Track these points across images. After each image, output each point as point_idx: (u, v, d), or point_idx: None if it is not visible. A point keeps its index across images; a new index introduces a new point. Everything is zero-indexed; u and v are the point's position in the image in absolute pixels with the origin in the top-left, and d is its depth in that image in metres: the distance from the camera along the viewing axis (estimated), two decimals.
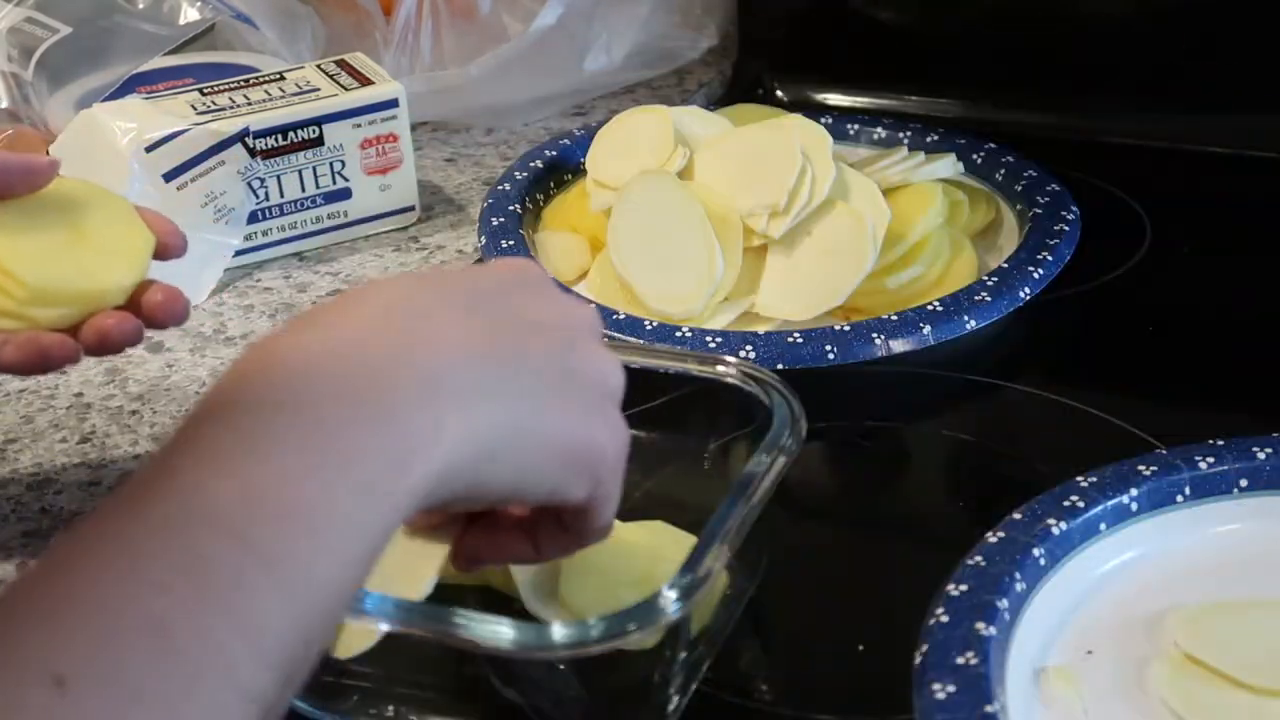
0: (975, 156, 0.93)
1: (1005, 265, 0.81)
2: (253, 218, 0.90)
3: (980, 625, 0.55)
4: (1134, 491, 0.62)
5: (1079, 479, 0.62)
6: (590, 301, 0.80)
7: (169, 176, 0.85)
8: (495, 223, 0.88)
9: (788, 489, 0.60)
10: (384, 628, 0.52)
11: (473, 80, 1.03)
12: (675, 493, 0.67)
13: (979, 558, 0.59)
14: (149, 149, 0.85)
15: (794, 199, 0.80)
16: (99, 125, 0.86)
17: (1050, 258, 0.81)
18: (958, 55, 1.04)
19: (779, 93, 1.09)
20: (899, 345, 0.76)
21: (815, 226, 0.81)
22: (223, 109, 0.88)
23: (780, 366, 0.74)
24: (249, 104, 0.88)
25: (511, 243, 0.86)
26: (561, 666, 0.55)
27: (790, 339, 0.76)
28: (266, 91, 0.90)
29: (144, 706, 0.35)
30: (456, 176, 1.01)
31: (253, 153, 0.88)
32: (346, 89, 0.90)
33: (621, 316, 0.78)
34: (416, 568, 0.54)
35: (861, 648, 0.61)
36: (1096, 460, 0.64)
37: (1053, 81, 1.02)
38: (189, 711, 0.36)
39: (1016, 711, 0.54)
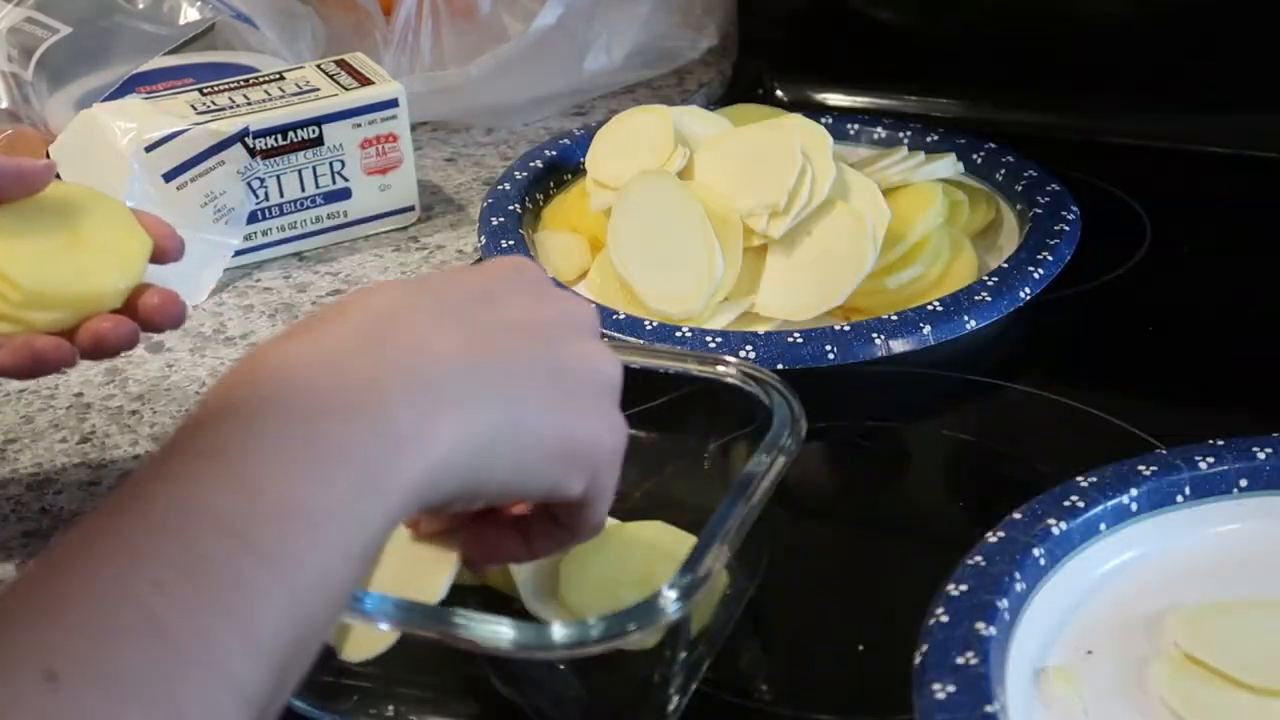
0: (975, 156, 0.93)
1: (1005, 265, 0.81)
2: (253, 218, 0.90)
3: (980, 625, 0.55)
4: (1134, 491, 0.62)
5: (1079, 479, 0.62)
6: (590, 301, 0.80)
7: (169, 176, 0.85)
8: (495, 223, 0.88)
9: (788, 489, 0.60)
10: (384, 628, 0.51)
11: (473, 80, 1.03)
12: (675, 493, 0.67)
13: (979, 558, 0.59)
14: (149, 149, 0.85)
15: (794, 199, 0.80)
16: (99, 125, 0.86)
17: (1050, 258, 0.81)
18: (958, 55, 1.04)
19: (779, 93, 1.09)
20: (899, 345, 0.76)
21: (815, 226, 0.81)
22: (223, 109, 0.88)
23: (780, 366, 0.74)
24: (249, 104, 0.88)
25: (511, 243, 0.86)
26: (561, 666, 0.55)
27: (790, 339, 0.76)
28: (266, 91, 0.90)
29: (140, 703, 0.35)
30: (456, 176, 1.01)
31: (253, 153, 0.88)
32: (346, 89, 0.90)
33: (621, 316, 0.78)
34: (429, 574, 0.55)
35: (861, 648, 0.61)
36: (1096, 460, 0.64)
37: (1053, 81, 1.02)
38: (185, 708, 0.36)
39: (1016, 711, 0.54)
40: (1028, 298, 0.79)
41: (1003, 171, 0.91)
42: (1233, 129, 0.98)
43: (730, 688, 0.59)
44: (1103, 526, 0.61)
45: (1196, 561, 0.62)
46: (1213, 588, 0.60)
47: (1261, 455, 0.63)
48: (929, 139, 0.95)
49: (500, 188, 0.92)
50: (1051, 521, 0.60)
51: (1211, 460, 0.63)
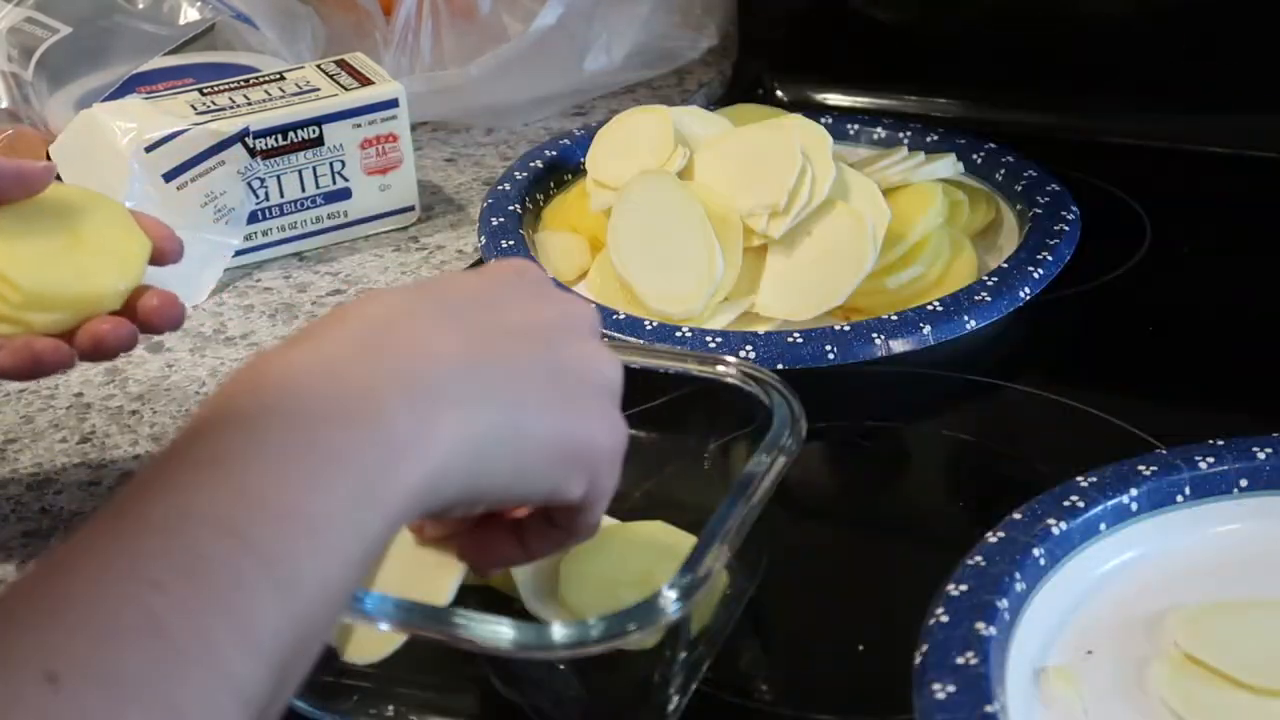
0: (975, 156, 0.93)
1: (1005, 265, 0.81)
2: (253, 218, 0.90)
3: (980, 625, 0.55)
4: (1134, 491, 0.62)
5: (1079, 479, 0.62)
6: (590, 301, 0.80)
7: (169, 176, 0.85)
8: (495, 223, 0.88)
9: (788, 489, 0.60)
10: (384, 628, 0.52)
11: (473, 80, 1.03)
12: (675, 493, 0.67)
13: (979, 558, 0.59)
14: (149, 149, 0.85)
15: (794, 199, 0.80)
16: (99, 125, 0.86)
17: (1050, 258, 0.81)
18: (958, 55, 1.04)
19: (779, 93, 1.09)
20: (899, 345, 0.76)
21: (815, 226, 0.81)
22: (223, 109, 0.88)
23: (780, 366, 0.74)
24: (249, 104, 0.88)
25: (511, 243, 0.86)
26: (561, 666, 0.55)
27: (790, 339, 0.76)
28: (266, 91, 0.90)
29: (140, 703, 0.35)
30: (456, 176, 1.01)
31: (253, 153, 0.88)
32: (346, 89, 0.90)
33: (621, 316, 0.78)
34: (435, 579, 0.55)
35: (861, 648, 0.61)
36: (1096, 460, 0.64)
37: (1053, 81, 1.02)
38: (185, 708, 0.36)
39: (1016, 711, 0.54)
40: (1028, 298, 0.79)
41: (1003, 171, 0.91)
42: (1233, 129, 0.98)
43: (730, 688, 0.59)
44: (1103, 526, 0.61)
45: (1196, 561, 0.62)
46: (1213, 588, 0.60)
47: (1261, 455, 0.63)
48: (929, 139, 0.95)
49: (500, 188, 0.92)
50: (1051, 521, 0.60)
51: (1211, 460, 0.63)
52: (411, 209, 0.95)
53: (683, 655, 0.55)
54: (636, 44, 1.09)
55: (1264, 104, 0.97)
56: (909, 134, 0.96)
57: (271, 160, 0.89)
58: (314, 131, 0.89)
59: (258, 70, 0.95)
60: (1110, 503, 0.61)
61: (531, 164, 0.94)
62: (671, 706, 0.56)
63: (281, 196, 0.90)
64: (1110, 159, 0.99)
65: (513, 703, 0.56)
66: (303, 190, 0.90)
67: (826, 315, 0.80)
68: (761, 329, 0.79)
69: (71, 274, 0.61)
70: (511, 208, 0.89)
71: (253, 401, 0.43)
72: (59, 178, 0.71)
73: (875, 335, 0.75)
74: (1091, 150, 0.99)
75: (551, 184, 0.95)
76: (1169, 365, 0.79)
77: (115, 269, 0.62)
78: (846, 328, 0.76)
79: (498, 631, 0.50)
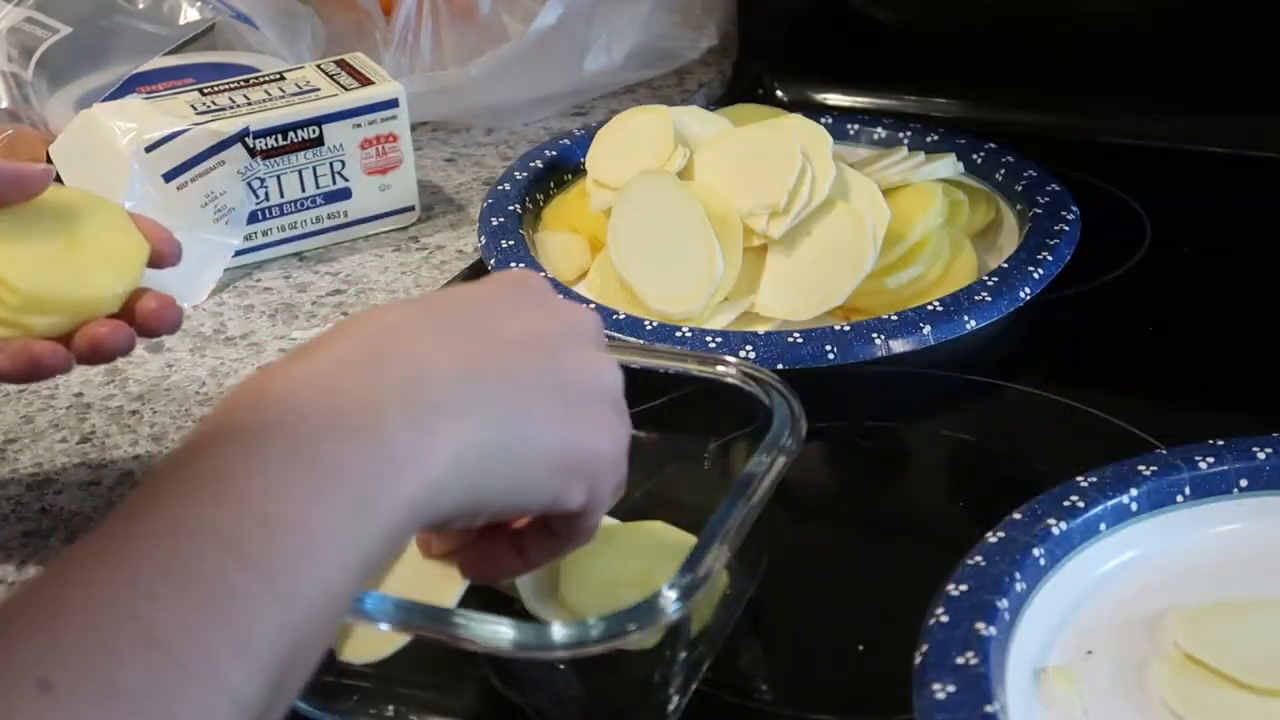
0: (975, 156, 0.93)
1: (1005, 265, 0.81)
2: (253, 218, 0.90)
3: (980, 625, 0.55)
4: (1134, 491, 0.62)
5: (1079, 479, 0.62)
6: (590, 302, 0.80)
7: (169, 176, 0.85)
8: (495, 223, 0.88)
9: (788, 489, 0.60)
10: (384, 628, 0.52)
11: (473, 80, 1.03)
12: (675, 493, 0.67)
13: (979, 558, 0.59)
14: (149, 149, 0.85)
15: (794, 199, 0.80)
16: (99, 125, 0.86)
17: (1050, 258, 0.81)
18: (958, 55, 1.04)
19: (779, 93, 1.09)
20: (899, 345, 0.76)
21: (815, 226, 0.81)
22: (223, 109, 0.88)
23: (780, 366, 0.74)
24: (249, 104, 0.88)
25: (511, 243, 0.86)
26: (561, 666, 0.55)
27: (790, 339, 0.76)
28: (266, 91, 0.90)
29: (140, 716, 0.35)
30: (456, 176, 1.01)
31: (253, 153, 0.88)
32: (346, 89, 0.90)
33: (621, 316, 0.78)
34: (439, 592, 0.55)
35: (861, 648, 0.61)
36: (1096, 460, 0.64)
37: (1053, 81, 1.02)
38: (181, 718, 0.36)
39: (1016, 711, 0.54)
40: (1028, 298, 0.79)
41: (1003, 171, 0.91)
42: (1233, 129, 0.98)
43: (730, 688, 0.59)
44: (1103, 526, 0.61)
45: (1196, 561, 0.62)
46: (1213, 588, 0.60)
47: (1261, 455, 0.63)
48: (929, 139, 0.95)
49: (500, 188, 0.92)
50: (1051, 521, 0.60)
51: (1211, 460, 0.63)
52: (411, 209, 0.95)
53: (683, 655, 0.55)
54: (636, 44, 1.09)
55: (1264, 104, 0.97)
56: (909, 134, 0.96)
57: (271, 160, 0.89)
58: (314, 131, 0.89)
59: (258, 70, 0.95)
60: (1110, 503, 0.61)
61: (531, 164, 0.94)
62: (671, 706, 0.56)
63: (281, 196, 0.90)
64: (1110, 159, 0.99)
65: (513, 703, 0.56)
66: (303, 190, 0.90)
67: (826, 315, 0.80)
68: (761, 329, 0.79)
69: (69, 277, 0.61)
70: (511, 208, 0.89)
71: (253, 416, 0.43)
72: (58, 180, 0.71)
73: (875, 335, 0.75)
74: (1091, 150, 0.99)
75: (551, 184, 0.95)
76: (1169, 365, 0.79)
77: (113, 272, 0.62)
78: (846, 328, 0.76)
79: (498, 631, 0.50)
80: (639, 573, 0.59)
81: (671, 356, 0.66)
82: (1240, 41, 0.97)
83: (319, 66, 0.93)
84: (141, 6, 0.99)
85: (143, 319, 0.62)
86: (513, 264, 0.84)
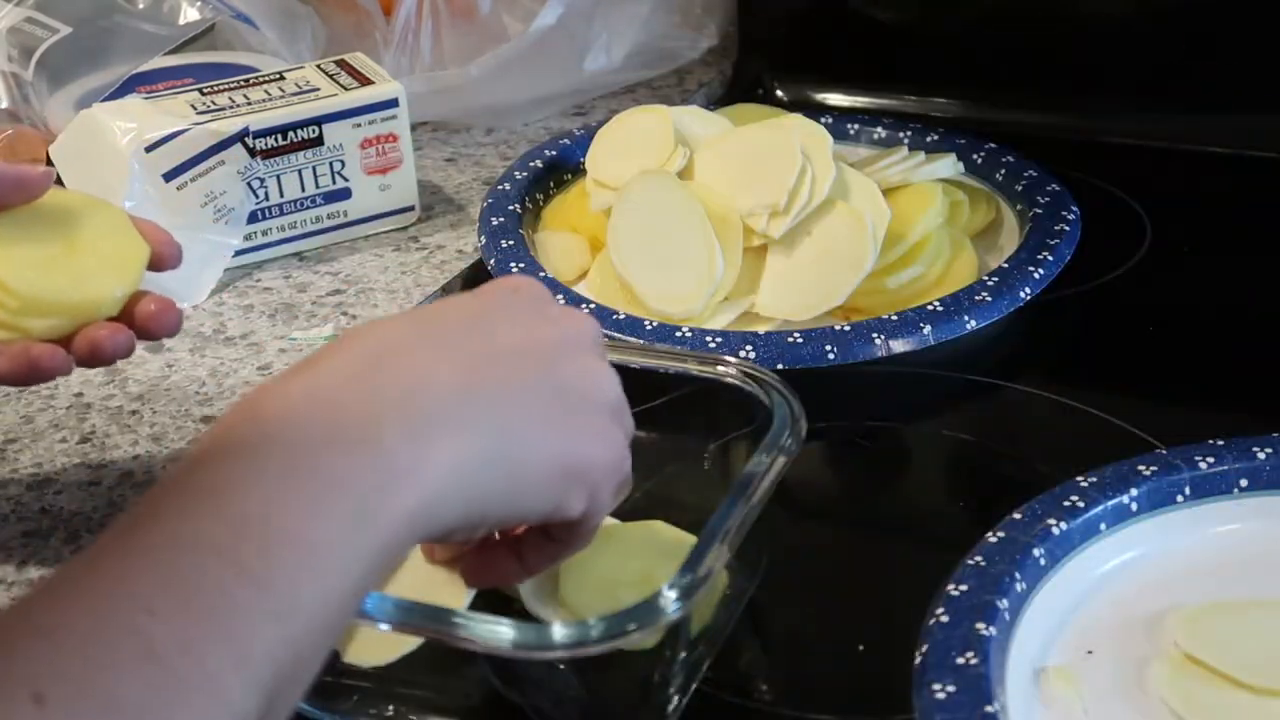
0: (975, 156, 0.93)
1: (1005, 265, 0.81)
2: (253, 218, 0.90)
3: (980, 625, 0.55)
4: (1134, 491, 0.62)
5: (1079, 479, 0.62)
6: (590, 302, 0.80)
7: (169, 176, 0.85)
8: (495, 223, 0.88)
9: (788, 489, 0.60)
10: (384, 628, 0.52)
11: (473, 80, 1.03)
12: (675, 493, 0.67)
13: (979, 558, 0.59)
14: (149, 149, 0.85)
15: (794, 199, 0.80)
16: (99, 125, 0.86)
17: (1050, 258, 0.81)
18: (958, 55, 1.04)
19: (779, 93, 1.09)
20: (899, 345, 0.76)
21: (815, 226, 0.81)
22: (223, 109, 0.88)
23: (780, 366, 0.74)
24: (249, 104, 0.88)
25: (511, 242, 0.86)
26: (561, 666, 0.55)
27: (790, 339, 0.76)
28: (266, 91, 0.90)
29: None
30: (456, 176, 1.01)
31: (253, 153, 0.88)
32: (346, 89, 0.90)
33: (621, 316, 0.78)
34: (450, 597, 0.55)
35: (861, 648, 0.61)
36: (1096, 460, 0.63)
37: (1053, 81, 1.02)
38: None
39: (1016, 711, 0.54)
40: (1028, 298, 0.79)
41: (1003, 171, 0.91)
42: (1233, 129, 0.98)
43: (730, 688, 0.59)
44: (1103, 526, 0.61)
45: (1196, 561, 0.62)
46: (1213, 588, 0.60)
47: (1261, 455, 0.63)
48: (929, 139, 0.95)
49: (500, 188, 0.92)
50: (1051, 521, 0.60)
51: (1211, 460, 0.63)
52: (411, 209, 0.95)
53: (683, 655, 0.55)
54: (636, 44, 1.09)
55: (1264, 104, 0.97)
56: (909, 134, 0.96)
57: (271, 160, 0.89)
58: (314, 131, 0.89)
59: (258, 70, 0.95)
60: (1110, 503, 0.61)
61: (531, 164, 0.94)
62: (671, 706, 0.56)
63: (281, 196, 0.90)
64: (1110, 159, 0.99)
65: (513, 703, 0.56)
66: (303, 190, 0.90)
67: (826, 315, 0.80)
68: (761, 329, 0.79)
69: (69, 280, 0.61)
70: (511, 208, 0.89)
71: (252, 430, 0.43)
72: (59, 182, 0.71)
73: (875, 335, 0.75)
74: (1091, 150, 0.99)
75: (551, 184, 0.95)
76: (1169, 365, 0.79)
77: (113, 275, 0.62)
78: (846, 328, 0.76)
79: (498, 631, 0.50)
80: (639, 573, 0.59)
81: (671, 356, 0.66)
82: (1240, 41, 0.97)
83: (319, 66, 0.93)
84: (141, 6, 0.99)
85: (142, 322, 0.62)
86: (513, 264, 0.84)
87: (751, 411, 0.62)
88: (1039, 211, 0.86)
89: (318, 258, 0.92)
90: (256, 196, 0.89)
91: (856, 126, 0.98)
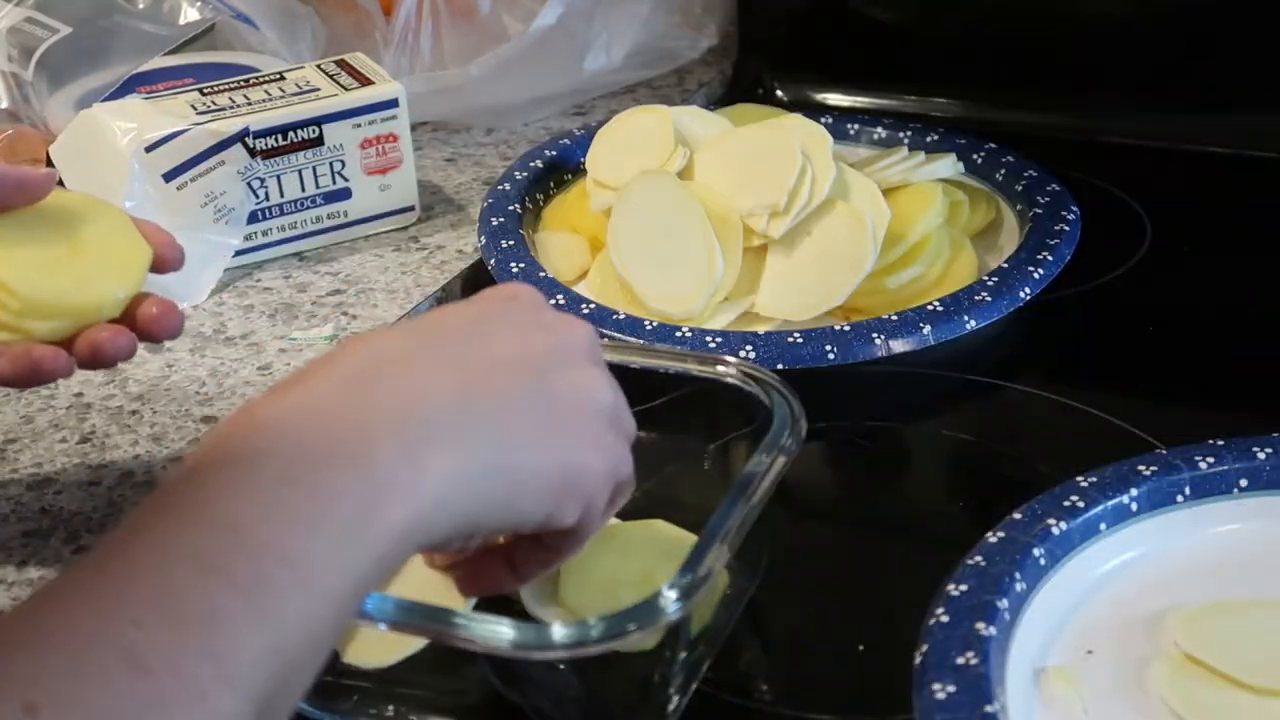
0: (975, 156, 0.93)
1: (1005, 265, 0.81)
2: (253, 218, 0.90)
3: (980, 625, 0.55)
4: (1134, 491, 0.62)
5: (1079, 479, 0.62)
6: (590, 302, 0.80)
7: (169, 176, 0.85)
8: (495, 223, 0.88)
9: (788, 489, 0.60)
10: (383, 628, 0.52)
11: (473, 80, 1.03)
12: (675, 493, 0.67)
13: (979, 558, 0.59)
14: (149, 149, 0.85)
15: (794, 199, 0.80)
16: (99, 125, 0.86)
17: (1050, 258, 0.81)
18: (958, 55, 1.04)
19: (779, 93, 1.09)
20: (899, 345, 0.76)
21: (815, 226, 0.81)
22: (223, 109, 0.88)
23: (780, 366, 0.74)
24: (249, 104, 0.88)
25: (511, 242, 0.86)
26: (561, 666, 0.55)
27: (790, 339, 0.76)
28: (266, 91, 0.90)
29: None
30: (456, 176, 1.01)
31: (253, 153, 0.88)
32: (346, 89, 0.90)
33: (621, 316, 0.78)
34: (450, 601, 0.55)
35: (861, 648, 0.61)
36: (1096, 460, 0.63)
37: (1053, 81, 1.02)
38: None
39: (1016, 711, 0.54)
40: (1028, 298, 0.79)
41: (1003, 171, 0.91)
42: (1233, 129, 0.98)
43: (730, 688, 0.59)
44: (1103, 526, 0.61)
45: (1196, 561, 0.62)
46: (1213, 588, 0.60)
47: (1261, 455, 0.63)
48: (929, 139, 0.95)
49: (500, 188, 0.92)
50: (1051, 521, 0.60)
51: (1211, 460, 0.63)
52: (411, 209, 0.95)
53: (683, 655, 0.55)
54: (636, 44, 1.09)
55: (1264, 104, 0.97)
56: (909, 134, 0.96)
57: (271, 160, 0.89)
58: (314, 131, 0.89)
59: (258, 70, 0.95)
60: (1110, 503, 0.61)
61: (531, 164, 0.94)
62: (671, 706, 0.56)
63: (281, 196, 0.90)
64: (1110, 159, 0.99)
65: (513, 703, 0.56)
66: (303, 190, 0.90)
67: (826, 315, 0.80)
68: (761, 329, 0.79)
69: (71, 282, 0.61)
70: (511, 208, 0.89)
71: (244, 444, 0.43)
72: (61, 184, 0.71)
73: (875, 335, 0.75)
74: (1091, 150, 0.99)
75: (551, 184, 0.95)
76: (1169, 365, 0.79)
77: (115, 277, 0.62)
78: (846, 328, 0.76)
79: (498, 631, 0.50)
80: (639, 573, 0.59)
81: (671, 356, 0.66)
82: (1240, 41, 0.97)
83: (319, 66, 0.93)
84: (141, 6, 0.99)
85: (144, 324, 0.62)
86: (513, 264, 0.84)
87: (751, 411, 0.62)
88: (1039, 211, 0.86)
89: (318, 258, 0.92)
90: (256, 196, 0.89)
91: (856, 126, 0.98)
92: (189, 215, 0.86)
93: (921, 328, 0.76)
